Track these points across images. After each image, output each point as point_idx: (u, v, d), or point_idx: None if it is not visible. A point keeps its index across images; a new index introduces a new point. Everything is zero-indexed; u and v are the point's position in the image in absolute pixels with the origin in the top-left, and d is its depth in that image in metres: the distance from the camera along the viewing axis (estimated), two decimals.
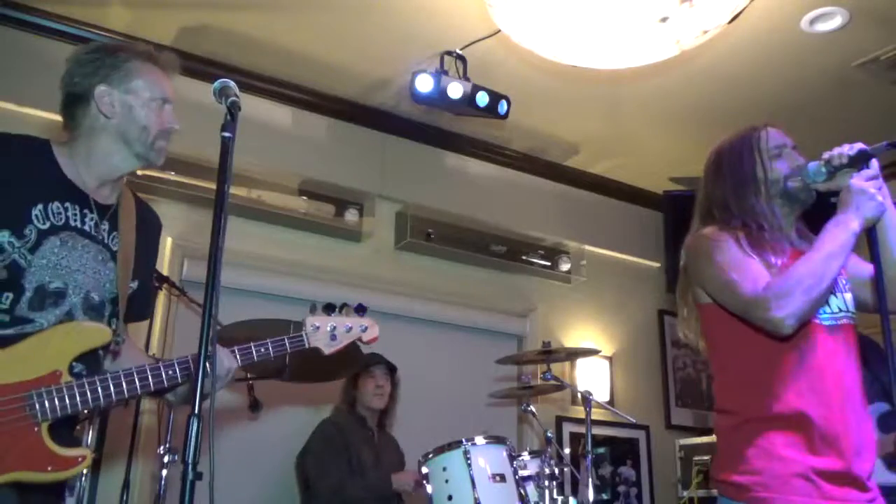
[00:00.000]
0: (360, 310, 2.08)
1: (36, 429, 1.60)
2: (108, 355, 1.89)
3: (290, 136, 4.28)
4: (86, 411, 1.74)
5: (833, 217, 1.75)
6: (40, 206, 1.73)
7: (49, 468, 1.61)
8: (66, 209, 1.77)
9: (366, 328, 2.08)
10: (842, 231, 1.71)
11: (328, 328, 1.99)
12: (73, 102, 1.83)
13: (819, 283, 1.67)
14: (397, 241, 4.51)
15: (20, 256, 1.69)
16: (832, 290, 1.86)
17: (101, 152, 1.83)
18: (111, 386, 1.68)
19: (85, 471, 2.94)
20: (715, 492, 1.85)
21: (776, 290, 1.67)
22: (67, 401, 1.63)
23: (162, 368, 1.75)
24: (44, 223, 1.73)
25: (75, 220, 1.78)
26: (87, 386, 1.66)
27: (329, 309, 2.03)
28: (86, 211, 1.81)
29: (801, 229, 1.96)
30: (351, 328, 2.03)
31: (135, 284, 1.92)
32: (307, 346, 1.97)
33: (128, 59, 1.85)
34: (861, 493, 1.72)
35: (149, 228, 2.01)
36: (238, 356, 1.88)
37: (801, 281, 1.66)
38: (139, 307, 2.00)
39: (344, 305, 2.04)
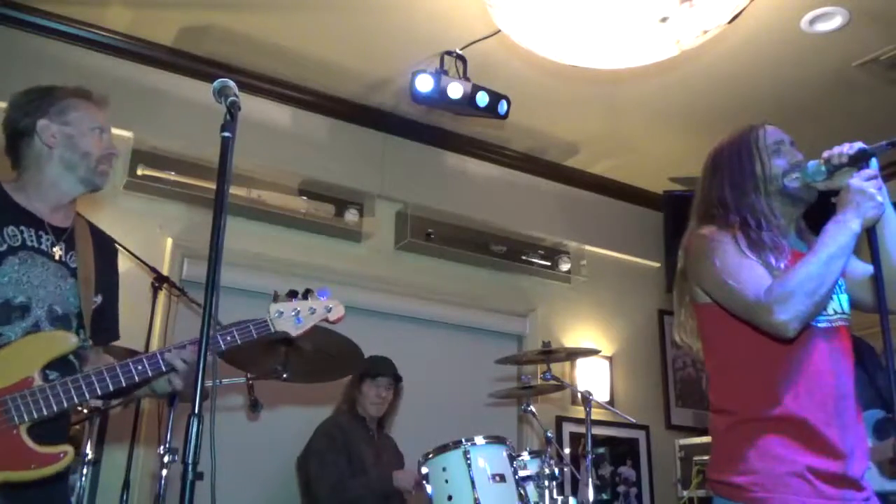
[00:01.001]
0: (323, 293, 2.10)
1: (14, 431, 1.71)
2: (81, 363, 1.97)
3: (290, 136, 4.28)
4: (73, 410, 1.83)
5: (833, 217, 1.75)
6: None
7: (32, 466, 1.72)
8: (21, 232, 1.90)
9: (330, 308, 2.08)
10: (842, 232, 1.70)
11: (292, 312, 2.02)
12: (18, 140, 1.97)
13: (821, 286, 1.66)
14: (397, 241, 4.51)
15: None
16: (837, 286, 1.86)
17: (48, 180, 1.97)
18: (82, 385, 1.77)
19: (85, 470, 2.95)
20: None
21: (779, 294, 1.66)
22: (41, 402, 1.73)
23: (131, 364, 1.82)
24: (1, 246, 1.85)
25: (31, 241, 1.91)
26: (59, 387, 1.75)
27: (291, 295, 2.06)
28: (41, 233, 1.93)
29: (802, 229, 1.96)
30: (315, 310, 2.05)
31: (98, 299, 2.02)
32: (272, 330, 1.99)
33: (63, 96, 2.01)
34: (857, 492, 1.73)
35: (105, 251, 2.12)
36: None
37: (804, 284, 1.65)
38: (108, 324, 2.10)
39: (308, 290, 2.07)
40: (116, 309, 2.17)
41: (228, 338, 1.94)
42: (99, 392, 1.78)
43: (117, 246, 2.22)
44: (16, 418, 1.71)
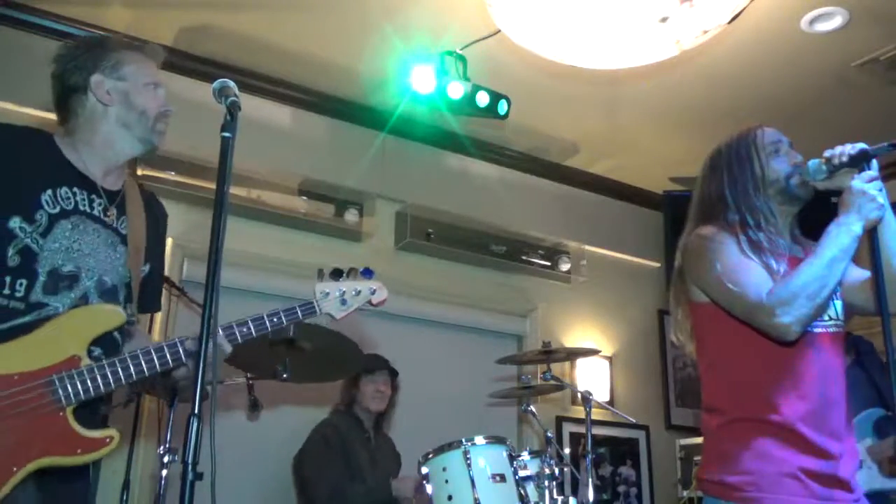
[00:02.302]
0: (367, 273, 2.07)
1: (61, 413, 1.62)
2: (124, 338, 1.88)
3: (290, 136, 4.28)
4: (116, 396, 1.76)
5: (835, 220, 1.75)
6: (49, 192, 1.75)
7: (78, 451, 1.63)
8: (74, 194, 1.79)
9: (374, 290, 2.04)
10: (844, 234, 1.71)
11: (337, 293, 1.97)
12: (69, 95, 1.86)
13: (824, 288, 1.67)
14: (397, 241, 4.51)
15: (32, 241, 1.71)
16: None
17: (104, 140, 1.86)
18: (130, 366, 1.69)
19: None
20: None
21: (781, 297, 1.66)
22: (90, 384, 1.64)
23: (178, 342, 1.75)
24: (54, 207, 1.75)
25: (84, 205, 1.80)
26: (107, 368, 1.67)
27: (337, 274, 2.00)
28: (94, 196, 1.83)
29: (797, 236, 1.96)
30: (360, 291, 2.01)
31: (146, 268, 1.94)
32: (319, 313, 1.94)
33: (115, 49, 1.90)
34: (847, 493, 1.73)
35: (156, 217, 2.03)
36: (252, 328, 1.87)
37: (806, 286, 1.66)
38: (151, 296, 2.02)
39: (351, 269, 2.02)
40: (162, 280, 2.12)
41: (275, 319, 1.88)
42: (146, 372, 1.71)
43: (166, 212, 2.12)
44: (63, 399, 1.61)
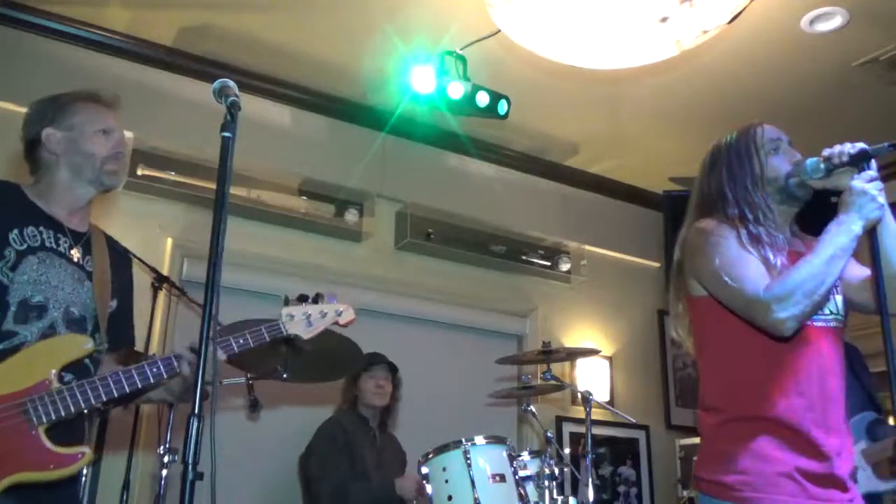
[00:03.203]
0: (331, 298, 2.14)
1: (34, 432, 1.72)
2: (96, 366, 1.98)
3: (290, 136, 4.28)
4: (85, 412, 1.83)
5: (835, 219, 1.75)
6: (16, 231, 1.88)
7: (51, 466, 1.72)
8: (41, 233, 1.92)
9: (341, 312, 2.11)
10: (843, 233, 1.71)
11: (303, 316, 2.05)
12: (30, 149, 2.03)
13: (821, 286, 1.67)
14: (397, 241, 4.51)
15: (2, 275, 1.84)
16: (832, 287, 1.86)
17: (61, 185, 2.00)
18: (99, 387, 1.78)
19: (85, 470, 2.94)
20: None
21: (778, 293, 1.66)
22: (59, 404, 1.74)
23: (146, 367, 1.83)
24: (21, 244, 1.88)
25: (50, 242, 1.93)
26: (76, 389, 1.76)
27: (302, 299, 2.09)
28: (59, 235, 1.96)
29: (795, 231, 1.96)
30: (326, 313, 2.09)
31: (113, 304, 2.05)
32: (285, 333, 2.02)
33: (67, 102, 2.05)
34: (842, 493, 1.73)
35: (119, 259, 2.14)
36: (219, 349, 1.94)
37: (804, 283, 1.66)
38: (122, 331, 2.12)
39: (318, 295, 2.10)
40: (132, 316, 2.20)
41: (241, 340, 1.96)
42: (115, 393, 1.79)
43: (131, 256, 2.25)
44: (34, 419, 1.72)
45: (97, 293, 1.98)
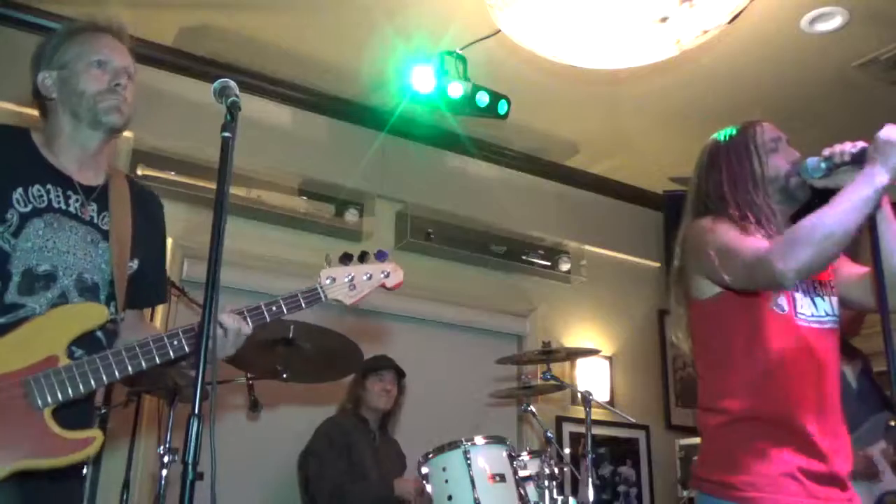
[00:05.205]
0: (381, 255, 1.92)
1: (38, 415, 1.54)
2: (109, 338, 1.79)
3: (290, 136, 4.28)
4: (116, 396, 1.68)
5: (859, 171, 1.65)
6: (20, 190, 1.69)
7: (58, 453, 1.55)
8: (47, 191, 1.73)
9: (388, 273, 1.90)
10: (866, 184, 1.59)
11: (345, 279, 1.84)
12: (35, 95, 1.85)
13: (829, 237, 1.57)
14: (397, 241, 4.51)
15: (3, 241, 1.66)
16: (827, 288, 1.85)
17: (61, 133, 1.80)
18: (112, 363, 1.60)
19: (85, 470, 2.93)
20: None
21: (781, 243, 1.60)
22: (68, 383, 1.56)
23: (166, 339, 1.65)
24: (25, 206, 1.69)
25: (58, 202, 1.74)
26: (86, 366, 1.59)
27: (346, 259, 1.88)
28: (69, 192, 1.76)
29: None
30: (371, 276, 1.87)
31: (134, 264, 1.85)
32: (324, 299, 1.81)
33: (60, 37, 1.86)
34: (841, 492, 1.73)
35: (147, 209, 1.94)
36: (249, 319, 1.76)
37: (812, 231, 1.58)
38: (147, 290, 1.93)
39: (364, 254, 1.89)
40: (161, 269, 2.01)
41: (274, 308, 1.76)
42: (131, 371, 1.61)
43: (162, 202, 2.03)
44: (39, 401, 1.53)
45: (114, 254, 1.77)
